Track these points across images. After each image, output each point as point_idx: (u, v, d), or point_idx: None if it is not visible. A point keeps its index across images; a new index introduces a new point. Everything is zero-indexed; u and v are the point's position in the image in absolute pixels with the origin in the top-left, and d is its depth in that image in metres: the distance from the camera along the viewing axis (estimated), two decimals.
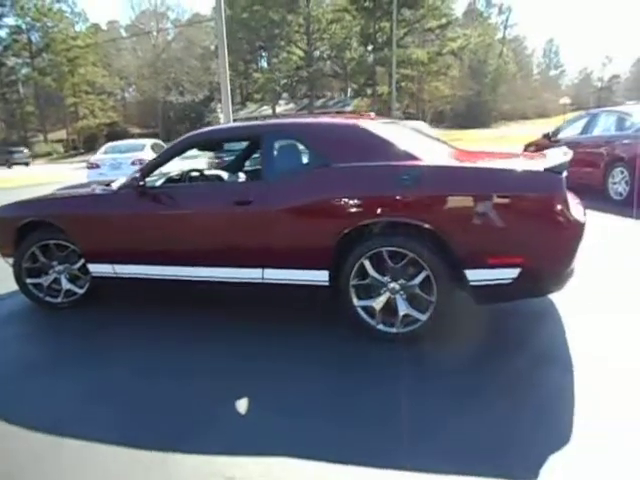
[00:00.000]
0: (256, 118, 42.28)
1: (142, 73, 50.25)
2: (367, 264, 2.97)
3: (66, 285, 3.91)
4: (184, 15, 57.04)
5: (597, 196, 7.32)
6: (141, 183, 3.41)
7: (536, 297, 3.11)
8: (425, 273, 2.86)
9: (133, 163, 10.95)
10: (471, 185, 2.76)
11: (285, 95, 49.20)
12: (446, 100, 48.49)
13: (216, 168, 4.86)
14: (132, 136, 39.92)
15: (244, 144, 4.61)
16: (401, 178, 2.82)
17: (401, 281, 2.95)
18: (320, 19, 42.45)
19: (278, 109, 45.75)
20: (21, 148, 35.65)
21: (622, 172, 6.93)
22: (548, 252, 2.71)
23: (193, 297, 3.96)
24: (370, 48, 38.59)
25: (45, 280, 3.91)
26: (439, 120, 49.31)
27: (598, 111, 8.27)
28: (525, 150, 9.87)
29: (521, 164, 2.90)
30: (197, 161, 10.88)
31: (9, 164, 32.12)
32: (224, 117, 14.65)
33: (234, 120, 34.96)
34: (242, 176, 3.85)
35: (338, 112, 42.61)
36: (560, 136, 8.80)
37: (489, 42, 50.90)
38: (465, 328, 3.21)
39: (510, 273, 2.72)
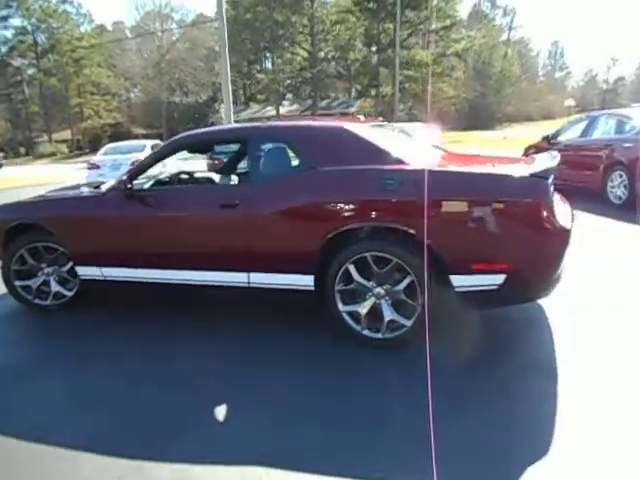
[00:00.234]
0: (260, 119, 42.36)
1: (146, 74, 50.40)
2: (352, 269, 2.94)
3: (55, 287, 3.90)
4: (188, 16, 57.16)
5: (596, 199, 7.27)
6: (128, 186, 3.39)
7: (523, 303, 3.07)
8: (410, 278, 2.83)
9: (133, 164, 10.95)
10: (455, 190, 2.73)
11: (289, 96, 49.24)
12: (450, 101, 48.33)
13: (211, 170, 4.83)
14: (136, 137, 40.04)
15: (238, 146, 4.60)
16: (385, 182, 2.79)
17: (386, 286, 2.92)
18: (324, 20, 42.48)
19: (282, 110, 45.77)
20: None
21: (621, 176, 6.87)
22: (534, 258, 2.67)
23: (182, 301, 3.94)
24: (374, 49, 38.52)
25: (34, 282, 3.90)
26: (443, 121, 49.12)
27: (598, 114, 8.21)
28: (525, 152, 9.82)
29: (507, 169, 2.87)
30: (197, 162, 10.93)
31: None
32: (225, 118, 14.65)
33: (237, 121, 35.06)
34: (231, 179, 3.82)
35: (342, 114, 42.64)
36: (560, 139, 8.73)
37: (493, 44, 50.74)
38: (452, 334, 3.17)
39: (496, 279, 2.69)
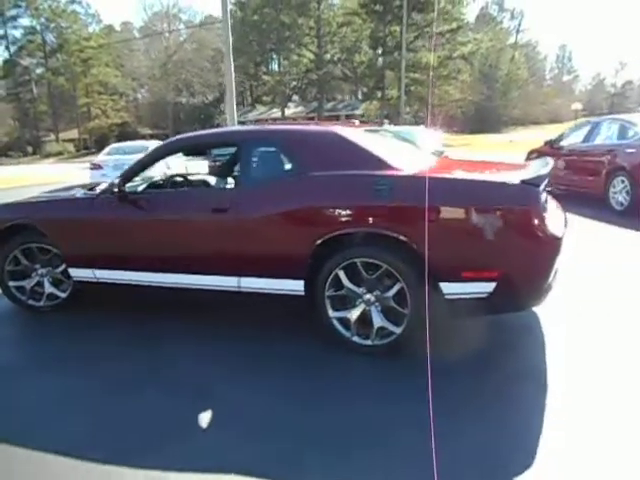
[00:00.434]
0: (266, 120, 42.44)
1: (153, 74, 50.66)
2: (342, 274, 2.92)
3: (49, 289, 3.90)
4: (196, 17, 57.45)
5: (598, 205, 7.22)
6: (119, 188, 3.38)
7: (514, 312, 3.03)
8: (399, 285, 2.80)
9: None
10: (445, 196, 2.70)
11: (295, 98, 49.31)
12: (457, 104, 48.24)
13: (212, 172, 4.81)
14: (143, 137, 40.18)
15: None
16: (375, 188, 2.77)
17: (376, 292, 2.89)
18: (331, 22, 42.53)
19: (287, 112, 45.85)
20: None
21: (623, 181, 6.81)
22: (524, 266, 2.64)
23: (175, 304, 3.93)
24: (380, 52, 38.51)
25: (28, 283, 3.90)
26: (450, 124, 49.07)
27: (601, 119, 8.15)
28: (528, 157, 9.76)
29: (499, 176, 2.84)
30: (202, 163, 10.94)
31: None
32: (229, 120, 14.67)
33: (242, 122, 35.09)
34: (223, 183, 3.82)
35: (348, 116, 42.63)
36: (563, 143, 8.69)
37: (500, 47, 50.64)
38: (443, 341, 3.14)
39: (486, 287, 2.66)
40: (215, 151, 8.90)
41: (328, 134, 3.17)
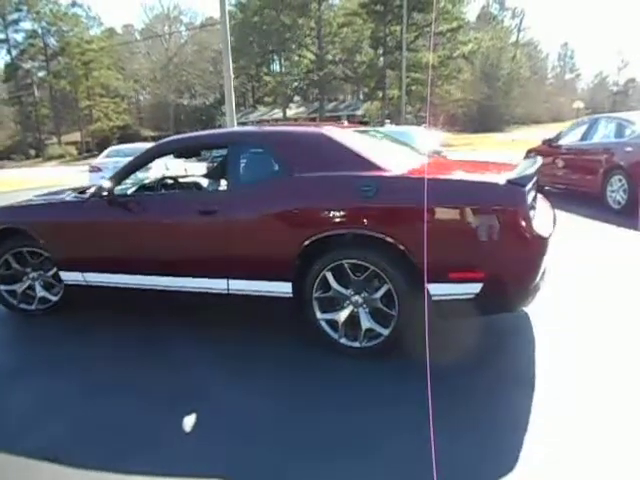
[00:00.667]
0: (267, 121, 42.46)
1: (155, 76, 50.77)
2: (329, 276, 2.91)
3: (40, 292, 3.90)
4: (197, 19, 57.52)
5: (596, 204, 7.18)
6: (107, 192, 3.38)
7: (502, 313, 3.01)
8: (387, 287, 2.79)
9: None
10: (430, 197, 2.68)
11: (296, 98, 49.31)
12: (458, 104, 48.15)
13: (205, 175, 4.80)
14: (145, 139, 40.28)
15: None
16: (361, 189, 2.75)
17: (364, 294, 2.88)
18: (331, 22, 42.50)
19: (289, 112, 45.86)
20: None
21: (620, 180, 6.77)
22: (509, 267, 2.62)
23: (166, 306, 3.91)
24: (381, 52, 38.46)
25: (19, 287, 3.90)
26: (451, 124, 49.02)
27: (598, 117, 8.10)
28: (526, 156, 9.72)
29: (485, 176, 2.82)
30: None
31: None
32: (228, 121, 14.68)
33: (244, 123, 35.10)
34: (212, 185, 3.81)
35: (349, 116, 42.61)
36: (561, 142, 8.65)
37: (502, 46, 50.47)
38: (432, 343, 3.12)
39: (472, 288, 2.64)
40: (214, 153, 8.93)
41: (315, 135, 3.16)
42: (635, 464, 1.93)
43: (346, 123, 3.72)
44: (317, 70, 43.04)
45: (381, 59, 38.76)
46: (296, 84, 46.69)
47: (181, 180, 4.02)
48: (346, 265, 2.85)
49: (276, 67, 48.95)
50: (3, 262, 3.85)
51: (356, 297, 2.90)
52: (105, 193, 3.41)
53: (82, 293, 3.73)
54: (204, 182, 3.92)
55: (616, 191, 6.87)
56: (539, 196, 3.54)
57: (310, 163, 2.99)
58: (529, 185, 2.64)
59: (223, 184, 3.30)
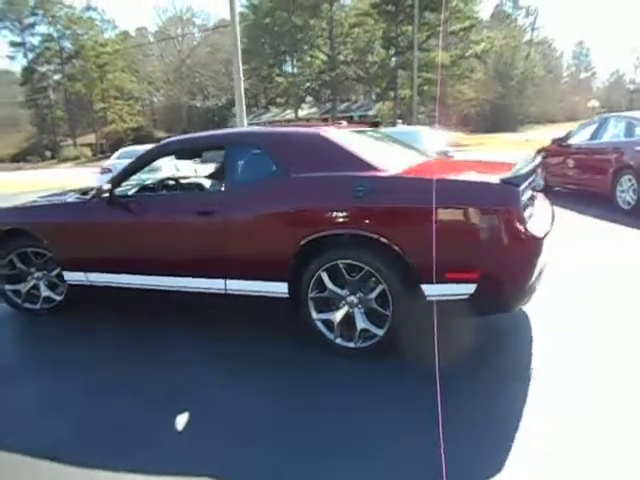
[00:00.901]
0: (279, 122, 42.58)
1: (168, 78, 51.25)
2: (324, 276, 2.91)
3: (45, 292, 3.96)
4: (209, 21, 57.89)
5: (605, 204, 7.09)
6: (107, 193, 3.42)
7: (497, 314, 2.99)
8: (381, 287, 2.78)
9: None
10: (424, 197, 2.67)
11: (309, 99, 49.37)
12: (471, 103, 47.85)
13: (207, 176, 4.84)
14: (158, 140, 40.46)
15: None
16: (355, 189, 2.75)
17: (359, 294, 2.88)
18: (343, 23, 42.47)
19: (301, 113, 45.93)
20: None
21: (630, 180, 6.67)
22: (503, 267, 2.60)
23: (167, 306, 3.95)
24: (392, 52, 38.34)
25: (23, 287, 3.96)
26: (464, 124, 48.72)
27: (608, 116, 7.99)
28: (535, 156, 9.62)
29: (479, 175, 2.80)
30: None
31: None
32: (238, 122, 14.74)
33: (256, 124, 35.20)
34: (212, 185, 3.84)
35: (361, 116, 42.56)
36: (571, 141, 8.54)
37: (515, 44, 50.05)
38: (428, 342, 3.11)
39: (467, 288, 2.62)
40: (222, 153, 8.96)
41: (311, 136, 3.17)
42: (635, 465, 1.91)
43: (344, 123, 3.72)
44: (329, 71, 43.05)
45: (393, 59, 38.63)
46: (308, 85, 46.72)
47: (181, 181, 4.05)
48: (341, 265, 2.85)
49: (288, 68, 49.02)
50: (8, 262, 3.92)
51: (351, 297, 2.90)
52: (105, 194, 3.45)
53: (86, 293, 3.78)
54: (203, 183, 3.95)
55: (626, 191, 6.77)
56: (539, 195, 3.52)
57: (306, 164, 2.99)
58: (524, 185, 2.62)
59: (221, 185, 3.32)
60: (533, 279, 2.65)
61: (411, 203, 2.70)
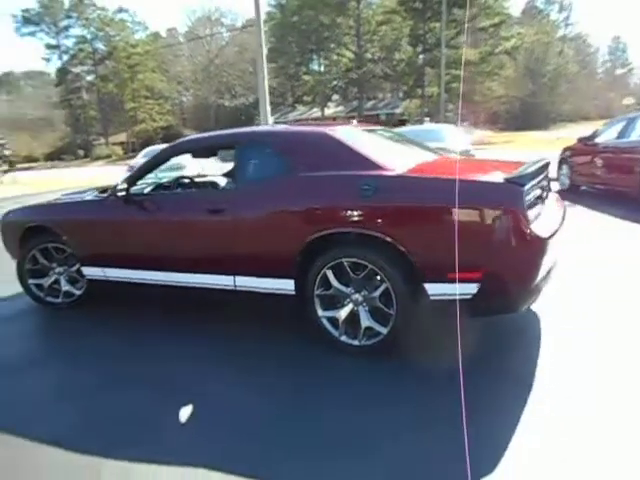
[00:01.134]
0: (305, 120, 42.72)
1: (196, 78, 52.02)
2: (330, 274, 2.94)
3: (65, 286, 4.11)
4: (237, 21, 58.43)
5: (631, 204, 6.89)
6: (123, 193, 3.53)
7: (500, 314, 2.96)
8: (385, 286, 2.80)
9: (170, 167, 11.29)
10: (427, 196, 2.68)
11: (335, 97, 49.34)
12: (500, 101, 46.96)
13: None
14: None
15: None
16: (361, 188, 2.78)
17: (364, 292, 2.90)
18: (370, 21, 42.30)
19: (328, 111, 45.98)
20: None
21: None
22: (507, 267, 2.57)
23: (186, 303, 4.04)
24: (420, 49, 37.96)
25: (46, 281, 4.12)
26: (493, 121, 47.89)
27: (636, 114, 7.76)
28: (562, 155, 9.43)
29: (485, 175, 2.79)
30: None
31: None
32: (262, 120, 14.87)
33: (282, 123, 35.37)
34: (223, 184, 3.91)
35: (388, 115, 42.33)
36: (598, 140, 8.32)
37: (547, 40, 48.87)
38: (432, 340, 3.11)
39: (469, 288, 2.61)
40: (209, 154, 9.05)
41: (318, 135, 3.20)
42: (636, 466, 1.89)
43: (355, 122, 3.73)
44: (356, 69, 42.92)
45: (420, 57, 38.25)
46: (335, 83, 46.71)
47: (194, 179, 4.14)
48: (346, 263, 2.88)
49: (315, 66, 49.12)
50: (31, 257, 4.09)
51: (356, 295, 2.92)
52: (121, 192, 3.56)
53: (105, 288, 3.91)
54: (216, 181, 4.03)
55: None
56: (552, 195, 3.46)
57: (313, 163, 3.03)
58: (529, 184, 2.60)
59: (231, 183, 3.39)
60: (538, 279, 2.62)
61: (415, 202, 2.71)
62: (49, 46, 50.02)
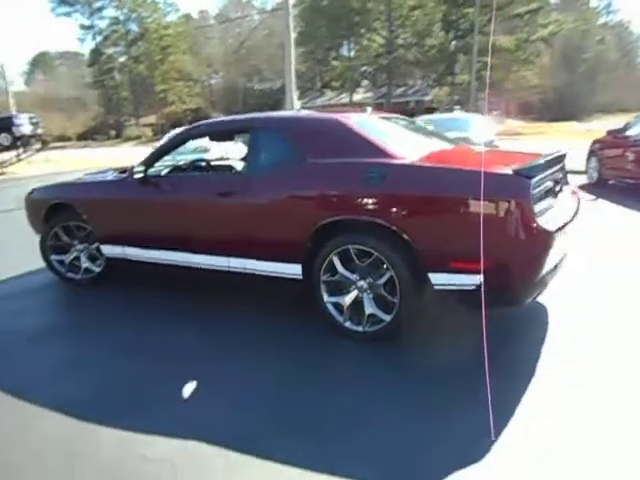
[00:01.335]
0: (333, 106, 42.46)
1: (226, 60, 52.10)
2: (336, 260, 2.98)
3: (85, 263, 4.26)
4: (268, 3, 58.14)
5: None
6: (140, 174, 3.62)
7: (504, 307, 2.94)
8: (389, 274, 2.82)
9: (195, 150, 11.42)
10: (433, 185, 2.68)
11: (365, 83, 48.80)
12: (534, 90, 45.67)
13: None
14: None
15: None
16: (367, 176, 2.79)
17: (369, 280, 2.93)
18: (402, 6, 41.43)
19: (356, 97, 45.53)
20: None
21: None
22: (511, 260, 2.56)
23: (198, 282, 4.13)
24: (452, 35, 37.11)
25: (67, 257, 4.28)
26: (526, 111, 46.70)
27: None
28: (591, 147, 9.17)
29: (494, 166, 2.76)
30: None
31: None
32: (287, 106, 14.88)
33: (309, 108, 35.19)
34: (236, 168, 3.97)
35: (417, 102, 41.70)
36: (629, 132, 8.07)
37: (587, 28, 47.15)
38: (436, 329, 3.13)
39: (473, 279, 2.61)
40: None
41: (329, 122, 3.22)
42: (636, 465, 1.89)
43: (369, 110, 3.70)
44: (386, 54, 42.24)
45: (452, 43, 37.42)
46: (364, 69, 46.14)
47: (210, 162, 4.22)
48: (352, 250, 2.91)
49: (345, 52, 48.57)
50: (53, 234, 4.24)
51: (361, 282, 2.96)
52: (139, 174, 3.66)
53: (124, 266, 4.04)
54: (230, 165, 4.10)
55: None
56: (567, 187, 3.40)
57: (323, 149, 3.05)
58: (538, 176, 2.57)
59: (242, 168, 3.44)
60: (543, 273, 2.60)
61: (420, 191, 2.71)
62: (83, 27, 50.72)
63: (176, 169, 4.12)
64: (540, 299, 3.10)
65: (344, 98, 45.91)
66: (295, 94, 15.18)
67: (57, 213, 4.20)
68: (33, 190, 4.52)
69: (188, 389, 2.57)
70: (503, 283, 2.62)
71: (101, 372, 2.79)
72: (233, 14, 53.08)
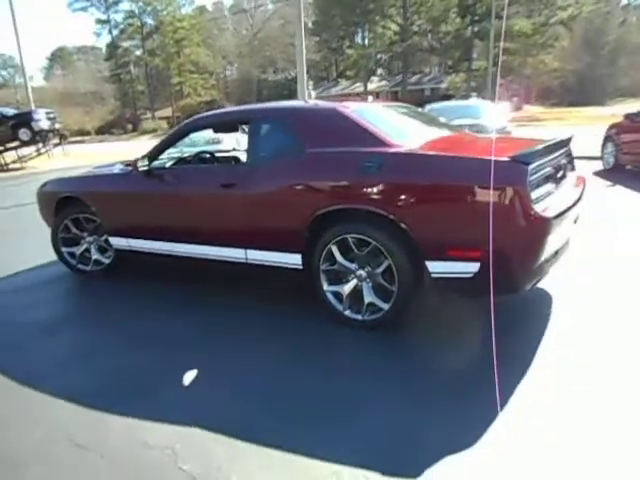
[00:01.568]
0: (348, 95, 42.21)
1: (240, 52, 52.10)
2: (334, 250, 3.00)
3: (95, 255, 4.35)
4: None
5: None
6: (144, 167, 3.67)
7: (502, 295, 2.91)
8: (387, 262, 2.83)
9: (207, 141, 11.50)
10: (430, 173, 2.67)
11: (380, 71, 48.38)
12: (554, 75, 44.69)
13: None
14: None
15: None
16: (365, 165, 2.79)
17: (367, 269, 2.95)
18: None
19: (371, 86, 45.19)
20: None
21: None
22: (508, 247, 2.54)
23: (205, 274, 4.20)
24: (468, 20, 36.46)
25: (77, 249, 4.37)
26: (545, 96, 45.81)
27: None
28: (608, 132, 8.97)
29: (491, 153, 2.73)
30: None
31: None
32: (299, 96, 14.85)
33: (323, 98, 35.07)
34: (238, 159, 4.00)
35: (433, 89, 41.18)
36: None
37: (608, 10, 45.83)
38: (435, 318, 3.13)
39: (471, 267, 2.61)
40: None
41: (328, 111, 3.22)
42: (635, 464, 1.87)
43: (370, 99, 3.68)
44: (401, 42, 41.72)
45: (469, 28, 36.79)
46: (379, 57, 45.71)
47: (214, 154, 4.25)
48: (350, 239, 2.92)
49: (359, 40, 48.16)
50: (64, 227, 4.33)
51: (360, 271, 2.97)
52: (143, 167, 3.71)
53: (132, 258, 4.11)
54: (234, 156, 4.12)
55: None
56: (572, 174, 3.35)
57: (322, 139, 3.06)
58: (536, 162, 2.54)
59: (244, 159, 3.47)
60: (541, 260, 2.58)
61: (417, 179, 2.70)
62: (99, 21, 51.28)
63: (180, 161, 4.16)
64: (543, 284, 3.07)
65: (359, 87, 45.59)
66: (309, 84, 15.13)
67: (67, 206, 4.29)
68: (45, 183, 4.61)
69: (190, 377, 2.63)
70: (501, 270, 2.60)
71: (109, 362, 2.86)
72: (247, 5, 52.89)
